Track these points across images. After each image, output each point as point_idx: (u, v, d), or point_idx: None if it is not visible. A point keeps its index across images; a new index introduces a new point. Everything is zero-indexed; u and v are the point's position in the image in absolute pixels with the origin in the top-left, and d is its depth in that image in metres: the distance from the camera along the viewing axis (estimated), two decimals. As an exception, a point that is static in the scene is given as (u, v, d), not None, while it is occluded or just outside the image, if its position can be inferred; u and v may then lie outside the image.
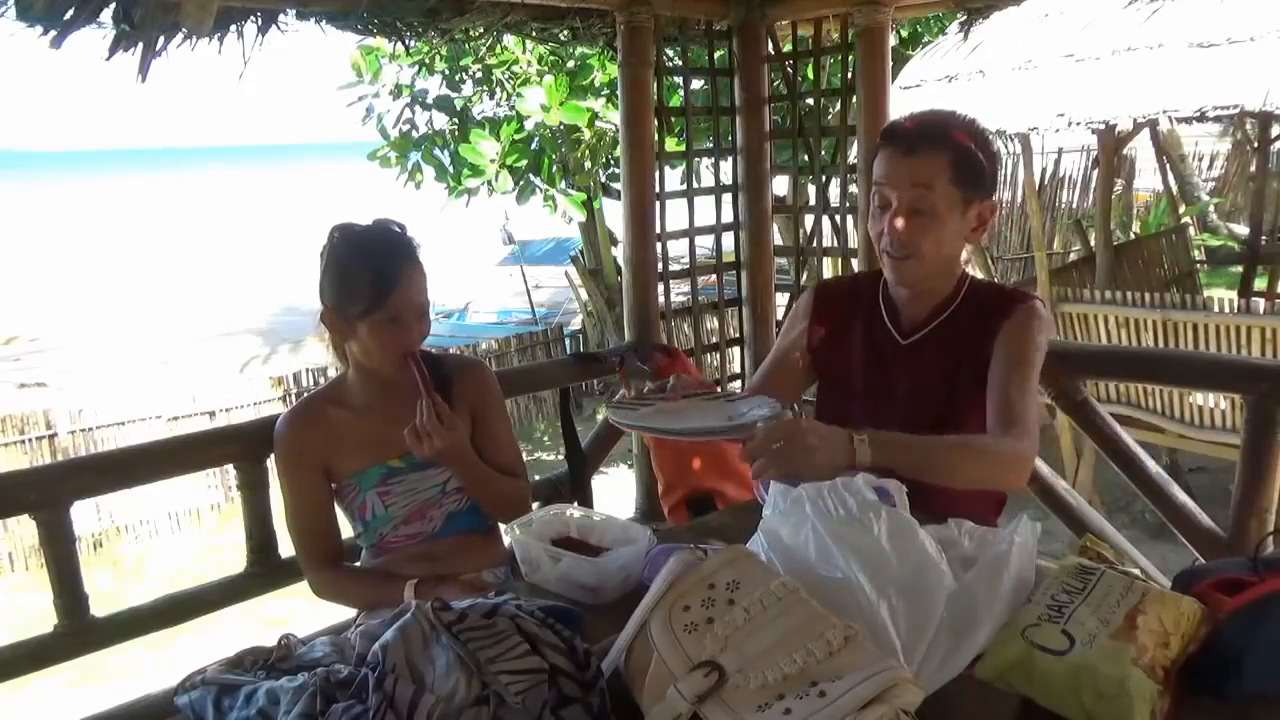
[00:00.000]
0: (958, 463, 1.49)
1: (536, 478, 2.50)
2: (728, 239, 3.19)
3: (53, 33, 1.95)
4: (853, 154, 2.88)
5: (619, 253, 4.82)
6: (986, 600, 1.05)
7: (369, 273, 1.64)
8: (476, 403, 1.83)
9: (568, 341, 9.46)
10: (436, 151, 6.84)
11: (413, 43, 3.08)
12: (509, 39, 5.86)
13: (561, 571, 1.31)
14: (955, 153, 1.57)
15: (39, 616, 3.09)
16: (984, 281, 1.77)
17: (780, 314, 3.28)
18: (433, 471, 1.77)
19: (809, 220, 3.14)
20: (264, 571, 2.11)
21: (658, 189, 2.88)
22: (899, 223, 1.57)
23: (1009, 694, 0.99)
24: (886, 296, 1.74)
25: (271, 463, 2.13)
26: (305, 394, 7.91)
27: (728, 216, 3.16)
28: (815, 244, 3.14)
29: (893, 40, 3.13)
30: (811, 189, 3.17)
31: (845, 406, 1.76)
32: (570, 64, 6.31)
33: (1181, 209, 8.60)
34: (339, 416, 1.76)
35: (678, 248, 3.01)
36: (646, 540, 1.34)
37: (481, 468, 1.78)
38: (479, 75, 6.78)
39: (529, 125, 6.45)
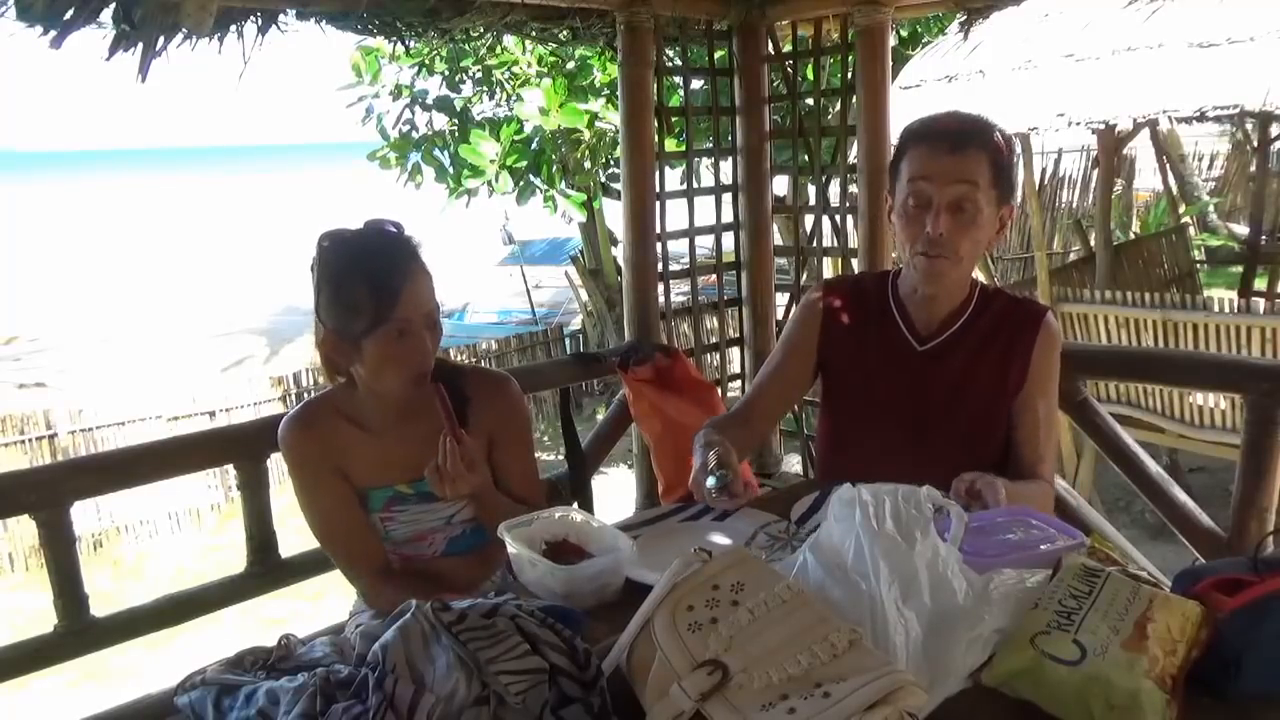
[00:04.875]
0: None
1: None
2: (728, 239, 3.19)
3: (53, 33, 1.94)
4: (853, 154, 2.88)
5: (619, 253, 4.83)
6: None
7: (368, 283, 1.48)
8: (496, 425, 1.68)
9: (568, 341, 9.45)
10: (436, 152, 6.85)
11: (413, 43, 3.08)
12: (509, 40, 5.86)
13: (536, 577, 1.31)
14: (994, 153, 1.57)
15: (39, 616, 3.09)
16: (992, 288, 1.77)
17: (780, 314, 3.28)
18: (440, 505, 1.66)
19: (809, 220, 3.14)
20: (264, 571, 2.11)
21: (658, 189, 2.88)
22: (942, 220, 1.55)
23: (1012, 699, 0.99)
24: (897, 300, 1.73)
25: (272, 463, 2.12)
26: (305, 394, 7.93)
27: (728, 216, 3.16)
28: (815, 244, 3.14)
29: (893, 40, 3.13)
30: (811, 189, 3.17)
31: (866, 413, 1.74)
32: (570, 65, 6.31)
33: (1181, 209, 8.61)
34: (349, 432, 1.63)
35: (678, 248, 3.01)
36: (628, 550, 1.32)
37: (503, 504, 1.63)
38: (479, 76, 6.78)
39: (529, 126, 6.45)
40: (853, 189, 2.90)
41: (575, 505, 2.04)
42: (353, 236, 1.54)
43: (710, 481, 1.39)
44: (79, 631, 1.88)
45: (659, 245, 2.91)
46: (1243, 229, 8.31)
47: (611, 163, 6.62)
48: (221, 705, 1.01)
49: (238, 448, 2.08)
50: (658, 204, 2.89)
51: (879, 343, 1.73)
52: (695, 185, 3.06)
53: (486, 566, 1.71)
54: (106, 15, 1.99)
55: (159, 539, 6.97)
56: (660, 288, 2.94)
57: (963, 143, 1.55)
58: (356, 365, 1.57)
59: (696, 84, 4.10)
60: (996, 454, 1.67)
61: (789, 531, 1.47)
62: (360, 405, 1.64)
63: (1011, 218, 1.66)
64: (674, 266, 3.04)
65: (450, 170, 6.77)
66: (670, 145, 3.14)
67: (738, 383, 3.31)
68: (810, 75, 3.68)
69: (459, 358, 7.78)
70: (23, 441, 6.81)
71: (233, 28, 2.25)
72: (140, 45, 2.06)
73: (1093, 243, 6.32)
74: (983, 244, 1.62)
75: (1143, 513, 4.54)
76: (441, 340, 1.61)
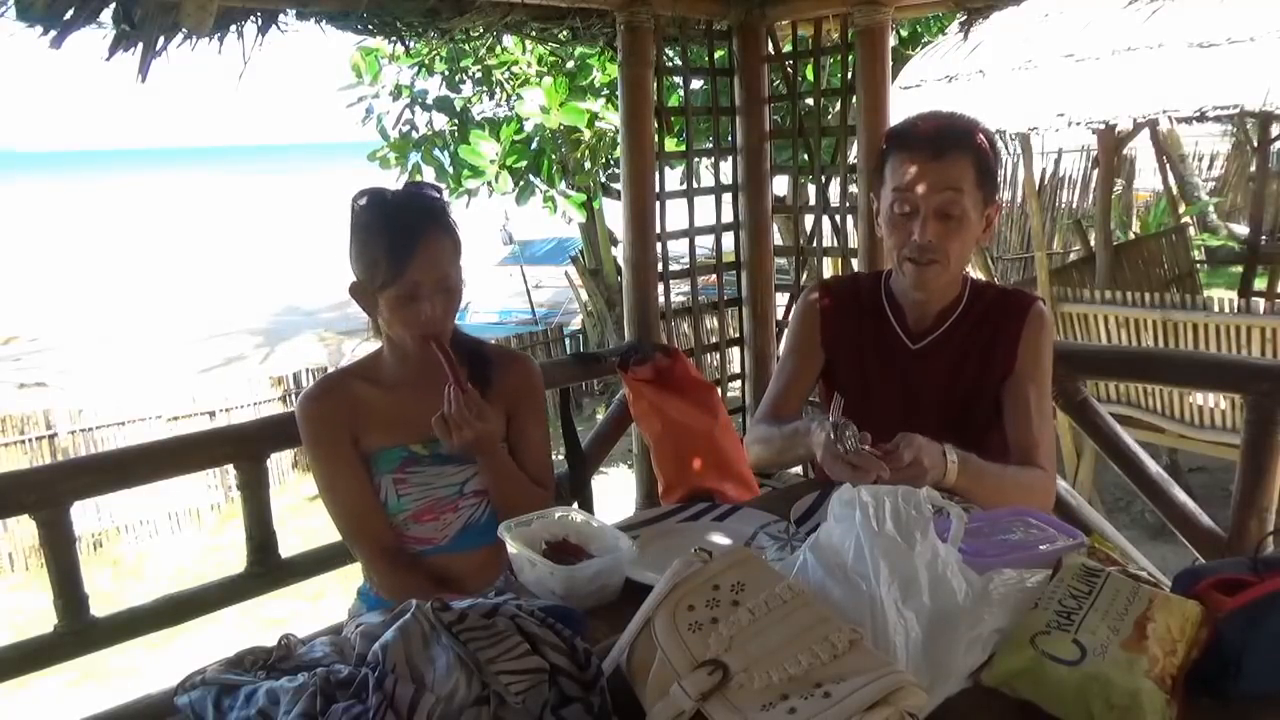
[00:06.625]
0: (1014, 495, 1.50)
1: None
2: (728, 239, 3.19)
3: (53, 33, 1.95)
4: (853, 154, 2.88)
5: (619, 253, 4.82)
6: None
7: (385, 242, 1.56)
8: (515, 399, 1.75)
9: (568, 341, 9.44)
10: (436, 152, 6.84)
11: (412, 43, 3.08)
12: (509, 40, 5.85)
13: (536, 577, 1.31)
14: (977, 155, 1.57)
15: (39, 616, 3.09)
16: (984, 283, 1.78)
17: (780, 314, 3.28)
18: (452, 468, 1.69)
19: (809, 220, 3.14)
20: (264, 571, 2.11)
21: (658, 189, 2.88)
22: (930, 228, 1.55)
23: (1011, 699, 0.99)
24: (890, 299, 1.74)
25: (272, 462, 2.13)
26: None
27: (728, 216, 3.16)
28: (815, 244, 3.14)
29: (893, 40, 3.13)
30: (811, 189, 3.17)
31: (860, 410, 1.75)
32: (570, 65, 6.31)
33: (1181, 209, 8.62)
34: (366, 391, 1.69)
35: (678, 248, 3.01)
36: (628, 550, 1.32)
37: (510, 468, 1.70)
38: (479, 76, 6.78)
39: (529, 126, 6.45)
40: (853, 189, 2.90)
41: (575, 505, 2.04)
42: (384, 196, 1.62)
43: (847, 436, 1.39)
44: (79, 631, 1.88)
45: (659, 245, 2.91)
46: (1243, 229, 8.32)
47: (611, 163, 6.61)
48: (221, 705, 1.00)
49: (238, 448, 2.09)
50: (658, 204, 2.89)
51: (874, 342, 1.74)
52: (695, 185, 3.06)
53: (497, 566, 1.70)
54: (106, 15, 1.99)
55: (159, 539, 6.97)
56: (660, 288, 2.94)
57: (945, 148, 1.55)
58: (378, 315, 1.64)
59: (696, 84, 4.11)
60: (996, 449, 1.67)
61: (789, 531, 1.47)
62: (382, 365, 1.72)
63: (998, 214, 1.67)
64: (674, 266, 3.04)
65: (450, 170, 6.77)
66: (670, 145, 3.14)
67: (738, 383, 3.31)
68: (810, 75, 3.68)
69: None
70: (23, 441, 6.81)
71: (233, 28, 2.25)
72: (140, 45, 2.06)
73: (1093, 243, 6.32)
74: (970, 245, 1.62)
75: (1143, 513, 4.53)
76: (458, 309, 1.66)
